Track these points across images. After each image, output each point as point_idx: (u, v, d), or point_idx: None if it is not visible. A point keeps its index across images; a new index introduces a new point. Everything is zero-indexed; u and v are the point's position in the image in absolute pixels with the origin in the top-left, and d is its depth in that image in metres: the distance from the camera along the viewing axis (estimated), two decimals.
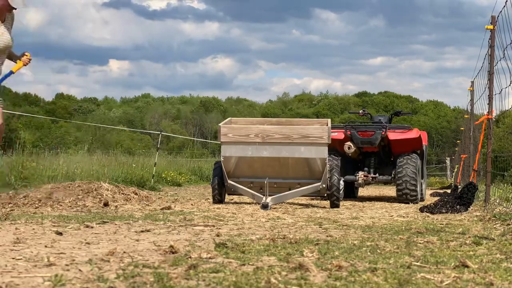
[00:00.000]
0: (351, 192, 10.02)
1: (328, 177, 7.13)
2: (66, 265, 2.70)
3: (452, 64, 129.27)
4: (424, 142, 9.61)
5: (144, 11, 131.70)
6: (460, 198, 6.86)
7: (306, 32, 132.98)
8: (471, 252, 3.32)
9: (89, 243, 3.43)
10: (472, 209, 6.69)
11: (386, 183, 10.21)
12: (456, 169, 21.88)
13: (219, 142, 7.27)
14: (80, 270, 2.58)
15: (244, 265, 2.79)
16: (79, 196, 6.54)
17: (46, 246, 3.27)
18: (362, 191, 12.14)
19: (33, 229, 4.06)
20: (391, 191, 12.97)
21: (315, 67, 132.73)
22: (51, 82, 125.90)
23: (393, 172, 9.33)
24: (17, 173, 8.57)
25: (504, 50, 6.61)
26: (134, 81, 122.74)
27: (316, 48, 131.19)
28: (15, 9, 6.12)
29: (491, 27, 7.44)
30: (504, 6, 6.46)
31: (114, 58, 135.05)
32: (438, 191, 14.26)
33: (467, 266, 2.78)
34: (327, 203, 7.62)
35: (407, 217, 5.96)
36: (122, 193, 7.02)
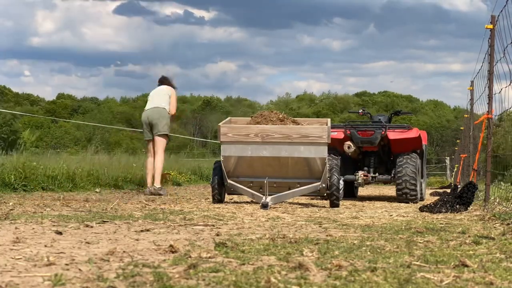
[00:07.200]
0: (351, 192, 10.01)
1: (328, 177, 7.13)
2: (66, 264, 2.70)
3: (449, 67, 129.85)
4: (424, 142, 9.61)
5: (154, 18, 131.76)
6: (460, 198, 6.85)
7: (310, 37, 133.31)
8: (471, 252, 3.32)
9: (89, 243, 3.43)
10: (472, 209, 6.69)
11: (386, 182, 10.21)
12: (455, 169, 21.88)
13: (219, 142, 7.27)
14: (80, 269, 2.58)
15: (244, 264, 2.79)
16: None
17: (46, 246, 3.27)
18: (362, 191, 12.13)
19: (33, 228, 4.06)
20: (391, 190, 12.97)
21: (318, 71, 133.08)
22: (52, 83, 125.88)
23: (392, 172, 9.33)
24: (17, 173, 8.57)
25: (504, 50, 6.61)
26: (136, 83, 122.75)
27: (318, 52, 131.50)
28: None
29: (491, 26, 7.43)
30: (505, 6, 6.46)
31: (118, 60, 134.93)
32: (438, 190, 14.24)
33: (466, 266, 2.78)
34: (327, 202, 7.62)
35: (407, 216, 5.96)
36: None
